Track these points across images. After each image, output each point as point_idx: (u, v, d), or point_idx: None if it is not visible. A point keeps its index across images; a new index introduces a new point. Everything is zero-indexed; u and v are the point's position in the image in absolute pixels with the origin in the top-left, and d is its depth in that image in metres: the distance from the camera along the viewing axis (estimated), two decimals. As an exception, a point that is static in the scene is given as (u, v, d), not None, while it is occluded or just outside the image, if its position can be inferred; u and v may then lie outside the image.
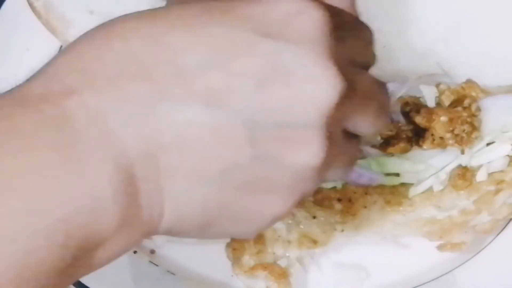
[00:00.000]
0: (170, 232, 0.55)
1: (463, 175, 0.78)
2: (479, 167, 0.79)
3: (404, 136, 0.79)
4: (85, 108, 0.50)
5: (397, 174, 0.80)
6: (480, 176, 0.78)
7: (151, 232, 0.54)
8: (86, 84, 0.50)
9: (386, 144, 0.79)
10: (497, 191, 0.78)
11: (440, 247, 0.79)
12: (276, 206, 0.55)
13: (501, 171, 0.79)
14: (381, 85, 0.61)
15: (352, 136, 0.59)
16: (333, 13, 0.55)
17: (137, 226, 0.52)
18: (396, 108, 0.81)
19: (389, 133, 0.79)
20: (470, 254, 0.80)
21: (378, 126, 0.61)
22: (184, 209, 0.53)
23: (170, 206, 0.53)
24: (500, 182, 0.78)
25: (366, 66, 0.61)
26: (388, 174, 0.79)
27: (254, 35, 0.52)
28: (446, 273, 0.80)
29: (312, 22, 0.53)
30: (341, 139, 0.57)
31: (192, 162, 0.52)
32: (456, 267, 0.80)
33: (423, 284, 0.79)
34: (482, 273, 0.79)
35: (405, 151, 0.79)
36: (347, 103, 0.54)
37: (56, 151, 0.49)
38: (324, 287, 0.79)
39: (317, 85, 0.52)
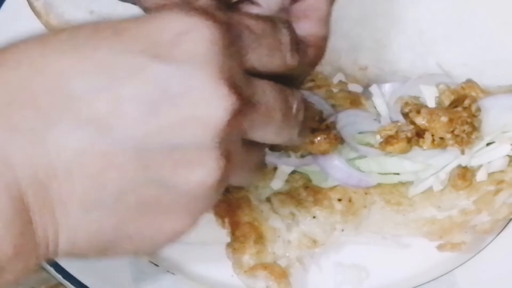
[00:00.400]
0: (70, 255, 0.55)
1: (463, 175, 0.78)
2: (479, 167, 0.79)
3: (403, 136, 0.79)
4: None
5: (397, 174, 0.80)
6: (480, 176, 0.78)
7: (48, 257, 0.54)
8: None
9: (385, 143, 0.79)
10: (497, 191, 0.78)
11: (440, 247, 0.79)
12: (175, 225, 0.56)
13: (501, 171, 0.79)
14: (288, 95, 0.60)
15: (256, 143, 0.59)
16: (230, 25, 0.55)
17: (32, 253, 0.52)
18: (396, 108, 0.81)
19: (389, 133, 0.79)
20: (470, 254, 0.80)
21: (283, 138, 0.60)
22: (80, 234, 0.53)
23: (65, 231, 0.53)
24: (500, 182, 0.78)
25: (277, 71, 0.59)
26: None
27: (143, 58, 0.52)
28: (446, 273, 0.80)
29: (201, 42, 0.53)
30: (241, 151, 0.57)
31: (84, 188, 0.52)
32: (456, 267, 0.80)
33: (423, 284, 0.79)
34: (482, 273, 0.79)
35: (405, 151, 0.79)
36: (244, 118, 0.54)
37: None
38: (324, 287, 0.79)
39: (206, 106, 0.52)
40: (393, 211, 0.79)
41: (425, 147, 0.78)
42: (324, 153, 0.78)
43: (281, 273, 0.74)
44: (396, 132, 0.79)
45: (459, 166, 0.79)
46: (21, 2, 0.87)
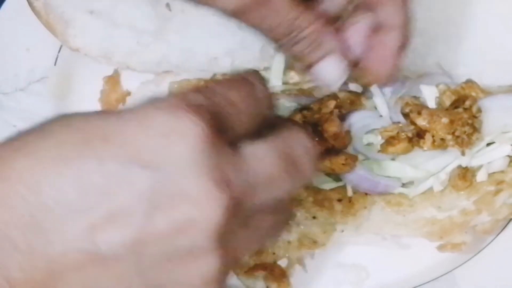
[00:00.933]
0: None
1: (464, 176, 0.78)
2: (479, 167, 0.79)
3: (404, 136, 0.79)
4: None
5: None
6: (481, 176, 0.78)
7: None
8: None
9: (387, 144, 0.79)
10: (497, 191, 0.78)
11: (440, 248, 0.79)
12: None
13: (501, 172, 0.79)
14: (287, 146, 0.59)
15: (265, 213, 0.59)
16: (213, 112, 0.54)
17: None
18: (396, 108, 0.81)
19: (390, 134, 0.79)
20: (470, 254, 0.80)
21: (294, 190, 0.60)
22: None
23: None
24: (500, 182, 0.78)
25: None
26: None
27: (131, 166, 0.52)
28: (446, 273, 0.80)
29: (188, 143, 0.53)
30: (245, 234, 0.57)
31: None
32: (456, 267, 0.80)
33: (423, 284, 0.79)
34: (482, 273, 0.79)
35: (406, 151, 0.79)
36: (241, 207, 0.54)
37: None
38: (324, 287, 0.79)
39: (200, 210, 0.52)
40: (393, 211, 0.79)
41: (425, 148, 0.78)
42: (346, 172, 0.78)
43: (281, 274, 0.74)
44: (397, 133, 0.79)
45: (459, 167, 0.79)
46: (21, 2, 0.87)
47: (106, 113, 0.55)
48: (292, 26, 0.71)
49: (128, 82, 0.89)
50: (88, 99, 0.89)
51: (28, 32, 0.88)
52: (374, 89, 0.83)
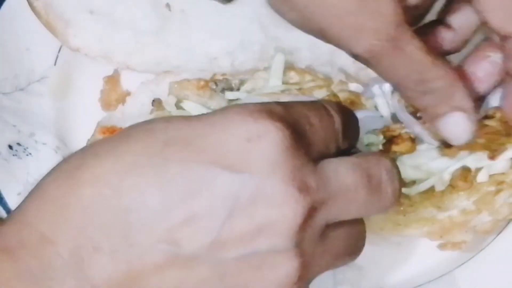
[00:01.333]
0: None
1: (465, 177, 0.78)
2: (481, 168, 0.79)
3: (407, 136, 0.79)
4: (61, 258, 0.52)
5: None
6: (481, 177, 0.78)
7: None
8: (59, 233, 0.52)
9: (390, 143, 0.79)
10: (497, 192, 0.78)
11: (441, 246, 0.79)
12: None
13: (503, 173, 0.79)
14: (371, 167, 0.59)
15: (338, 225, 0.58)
16: (294, 121, 0.55)
17: None
18: (401, 107, 0.81)
19: (393, 133, 0.79)
20: (470, 254, 0.80)
21: (375, 211, 0.59)
22: None
23: None
24: (501, 183, 0.78)
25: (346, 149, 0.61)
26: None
27: (213, 169, 0.52)
28: (446, 273, 0.80)
29: (271, 148, 0.53)
30: (321, 248, 0.57)
31: None
32: (456, 267, 0.80)
33: (423, 284, 0.79)
34: (482, 273, 0.79)
35: (410, 151, 0.79)
36: (320, 214, 0.54)
37: None
38: (324, 287, 0.79)
39: (279, 212, 0.53)
40: (393, 211, 0.79)
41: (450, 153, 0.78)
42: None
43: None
44: (399, 133, 0.79)
45: (462, 167, 0.79)
46: (21, 2, 0.87)
47: (187, 117, 0.56)
48: (424, 76, 0.68)
49: (128, 82, 0.89)
50: (88, 99, 0.89)
51: (28, 32, 0.88)
52: (375, 89, 0.83)
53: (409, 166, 0.78)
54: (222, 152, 0.53)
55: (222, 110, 0.56)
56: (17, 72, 0.88)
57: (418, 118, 0.79)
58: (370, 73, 0.87)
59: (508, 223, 0.81)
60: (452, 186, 0.79)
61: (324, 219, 0.56)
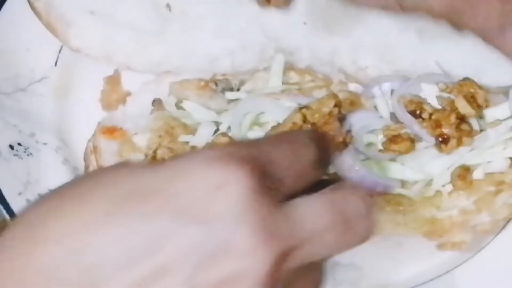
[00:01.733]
0: None
1: (464, 176, 0.78)
2: (479, 166, 0.79)
3: (407, 136, 0.79)
4: None
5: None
6: (477, 174, 0.79)
7: None
8: None
9: (390, 142, 0.79)
10: (497, 192, 0.78)
11: (440, 246, 0.79)
12: None
13: (501, 173, 0.79)
14: (344, 203, 0.57)
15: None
16: (262, 162, 0.54)
17: None
18: (400, 107, 0.81)
19: (393, 133, 0.79)
20: (470, 253, 0.80)
21: (349, 248, 0.58)
22: None
23: None
24: (501, 183, 0.78)
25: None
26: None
27: (178, 220, 0.51)
28: (446, 273, 0.80)
29: (238, 195, 0.52)
30: (296, 279, 0.55)
31: None
32: (456, 267, 0.80)
33: (423, 284, 0.79)
34: (482, 273, 0.79)
35: (409, 150, 0.79)
36: (292, 259, 0.53)
37: None
38: (323, 287, 0.79)
39: (249, 262, 0.51)
40: (393, 211, 0.79)
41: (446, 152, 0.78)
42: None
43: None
44: (399, 133, 0.79)
45: (461, 166, 0.79)
46: (22, 2, 0.87)
47: (152, 166, 0.54)
48: (503, 14, 0.70)
49: (129, 82, 0.89)
50: (88, 99, 0.89)
51: (28, 33, 0.89)
52: (375, 89, 0.83)
53: (409, 167, 0.78)
54: (187, 202, 0.52)
55: (189, 156, 0.54)
56: (17, 72, 0.88)
57: (417, 118, 0.80)
58: (370, 73, 0.88)
59: (508, 223, 0.81)
60: (452, 186, 0.79)
61: (294, 264, 0.54)
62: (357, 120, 0.80)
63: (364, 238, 0.58)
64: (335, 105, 0.79)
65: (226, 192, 0.52)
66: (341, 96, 0.82)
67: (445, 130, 0.78)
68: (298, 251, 0.54)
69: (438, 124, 0.79)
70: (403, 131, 0.79)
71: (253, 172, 0.52)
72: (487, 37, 0.70)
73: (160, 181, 0.53)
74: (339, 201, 0.56)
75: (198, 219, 0.51)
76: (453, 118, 0.79)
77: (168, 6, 0.87)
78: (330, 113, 0.78)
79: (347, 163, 0.77)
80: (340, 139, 0.77)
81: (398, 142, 0.79)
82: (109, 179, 0.54)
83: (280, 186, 0.55)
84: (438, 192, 0.79)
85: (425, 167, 0.79)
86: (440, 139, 0.78)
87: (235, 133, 0.81)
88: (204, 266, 0.51)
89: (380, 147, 0.80)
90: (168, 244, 0.51)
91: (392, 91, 0.83)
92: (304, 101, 0.82)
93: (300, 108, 0.80)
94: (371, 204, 0.58)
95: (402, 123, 0.80)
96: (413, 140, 0.79)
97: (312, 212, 0.55)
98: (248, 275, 0.52)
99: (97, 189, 0.53)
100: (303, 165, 0.57)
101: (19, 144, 0.85)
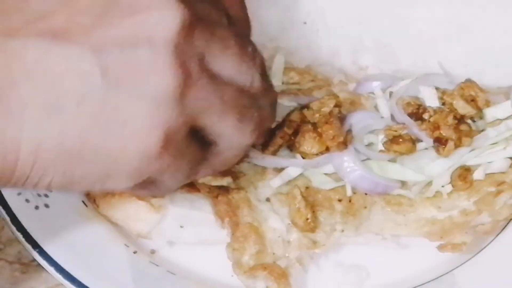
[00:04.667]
0: (33, 180, 0.55)
1: (464, 177, 0.78)
2: (479, 166, 0.79)
3: (408, 137, 0.79)
4: None
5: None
6: (478, 175, 0.79)
7: (7, 176, 0.54)
8: None
9: (391, 142, 0.79)
10: (498, 192, 0.78)
11: (441, 248, 0.79)
12: (140, 140, 0.55)
13: (502, 173, 0.79)
14: (241, 36, 0.61)
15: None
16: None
17: None
18: (400, 109, 0.81)
19: (395, 133, 0.79)
20: (470, 254, 0.80)
21: (245, 76, 0.61)
22: (42, 140, 0.54)
23: (26, 139, 0.53)
24: (501, 183, 0.78)
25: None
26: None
27: None
28: (446, 273, 0.80)
29: None
30: (205, 75, 0.57)
31: (44, 94, 0.53)
32: (456, 267, 0.80)
33: (423, 284, 0.79)
34: (482, 273, 0.79)
35: (410, 151, 0.79)
36: (197, 33, 0.56)
37: None
38: (324, 287, 0.79)
39: (158, 13, 0.54)
40: (393, 211, 0.79)
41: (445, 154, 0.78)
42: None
43: (281, 274, 0.74)
44: (400, 134, 0.79)
45: (461, 167, 0.79)
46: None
47: None
48: None
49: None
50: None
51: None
52: (376, 90, 0.83)
53: (409, 168, 0.79)
54: None
55: None
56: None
57: (416, 120, 0.80)
58: (370, 73, 0.88)
59: (508, 223, 0.81)
60: (452, 186, 0.79)
61: (202, 47, 0.57)
62: (357, 121, 0.80)
63: (258, 74, 0.62)
64: (336, 105, 0.79)
65: None
66: (341, 96, 0.82)
67: (443, 132, 0.78)
68: (205, 32, 0.57)
69: (436, 127, 0.79)
70: (404, 131, 0.79)
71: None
72: None
73: None
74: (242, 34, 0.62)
75: None
76: (450, 119, 0.79)
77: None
78: (330, 113, 0.78)
79: (347, 164, 0.77)
80: (341, 139, 0.77)
81: (400, 142, 0.79)
82: None
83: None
84: (438, 193, 0.79)
85: (425, 168, 0.79)
86: (437, 143, 0.78)
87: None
88: (116, 11, 0.54)
89: (380, 147, 0.80)
90: None
91: (390, 93, 0.83)
92: (304, 101, 0.82)
93: (301, 108, 0.80)
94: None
95: (403, 123, 0.80)
96: (414, 141, 0.79)
97: (222, 24, 0.60)
98: (158, 25, 0.54)
99: None
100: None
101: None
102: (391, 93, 0.83)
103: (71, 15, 0.54)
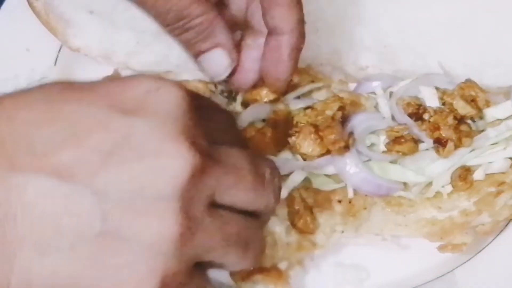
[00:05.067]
0: None
1: (464, 177, 0.78)
2: (479, 167, 0.79)
3: (410, 137, 0.79)
4: None
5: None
6: (478, 175, 0.78)
7: None
8: None
9: (393, 143, 0.79)
10: (498, 193, 0.78)
11: (441, 248, 0.79)
12: (134, 284, 0.54)
13: (502, 173, 0.79)
14: (258, 162, 0.60)
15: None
16: (194, 96, 0.57)
17: None
18: (400, 109, 0.81)
19: (396, 134, 0.79)
20: (470, 254, 0.80)
21: (259, 203, 0.60)
22: (34, 277, 0.53)
23: (18, 274, 0.53)
24: (501, 184, 0.78)
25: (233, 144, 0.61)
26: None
27: (109, 111, 0.54)
28: (446, 273, 0.80)
29: (169, 97, 0.55)
30: (212, 215, 0.56)
31: (40, 232, 0.52)
32: (457, 267, 0.80)
33: (423, 284, 0.79)
34: (482, 273, 0.79)
35: (412, 151, 0.79)
36: (208, 176, 0.55)
37: None
38: (325, 288, 0.79)
39: (168, 160, 0.53)
40: (393, 212, 0.79)
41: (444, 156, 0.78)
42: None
43: (279, 276, 0.74)
44: (402, 135, 0.79)
45: (461, 167, 0.79)
46: (21, 2, 0.87)
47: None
48: (182, 14, 0.71)
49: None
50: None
51: (28, 32, 0.88)
52: (377, 90, 0.83)
53: (410, 169, 0.78)
54: (120, 98, 0.54)
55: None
56: (17, 72, 0.88)
57: (416, 120, 0.80)
58: (370, 73, 0.88)
59: (508, 223, 0.81)
60: (452, 186, 0.79)
61: (213, 187, 0.56)
62: (359, 122, 0.80)
63: (272, 199, 0.61)
64: (339, 109, 0.79)
65: (159, 95, 0.55)
66: (342, 95, 0.82)
67: (444, 132, 0.78)
68: (217, 174, 0.56)
69: (436, 127, 0.79)
70: (406, 132, 0.79)
71: (190, 95, 0.56)
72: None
73: (99, 83, 0.56)
74: (255, 157, 0.60)
75: (129, 113, 0.54)
76: (450, 119, 0.79)
77: (168, 5, 0.86)
78: (333, 117, 0.78)
79: (349, 166, 0.77)
80: (342, 144, 0.76)
81: (402, 143, 0.79)
82: (53, 83, 0.57)
83: (208, 126, 0.58)
84: (438, 193, 0.79)
85: (426, 169, 0.79)
86: (437, 144, 0.78)
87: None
88: (127, 154, 0.53)
89: (382, 148, 0.80)
90: (95, 130, 0.53)
91: (391, 93, 0.83)
92: (304, 102, 0.81)
93: (305, 109, 0.79)
94: (279, 173, 0.63)
95: (404, 124, 0.80)
96: (416, 141, 0.79)
97: (234, 152, 0.59)
98: (167, 173, 0.53)
99: (43, 87, 0.57)
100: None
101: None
102: (391, 93, 0.83)
103: (79, 152, 0.53)
